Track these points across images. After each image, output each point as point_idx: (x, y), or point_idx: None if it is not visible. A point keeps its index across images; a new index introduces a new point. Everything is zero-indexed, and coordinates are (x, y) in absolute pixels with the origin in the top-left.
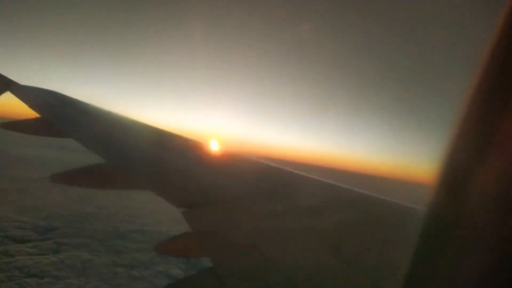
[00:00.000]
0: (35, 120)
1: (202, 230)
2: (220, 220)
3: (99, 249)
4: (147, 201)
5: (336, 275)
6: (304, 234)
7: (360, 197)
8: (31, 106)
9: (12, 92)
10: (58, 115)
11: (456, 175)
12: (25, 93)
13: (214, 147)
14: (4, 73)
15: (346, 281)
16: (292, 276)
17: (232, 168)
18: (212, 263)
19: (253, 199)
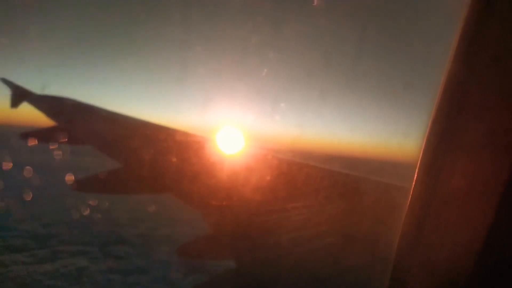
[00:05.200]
0: (52, 128)
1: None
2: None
3: (97, 256)
4: (155, 205)
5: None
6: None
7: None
8: (47, 115)
9: (28, 102)
10: (74, 122)
11: (435, 157)
12: (41, 102)
13: (223, 145)
14: (20, 84)
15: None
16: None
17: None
18: (235, 265)
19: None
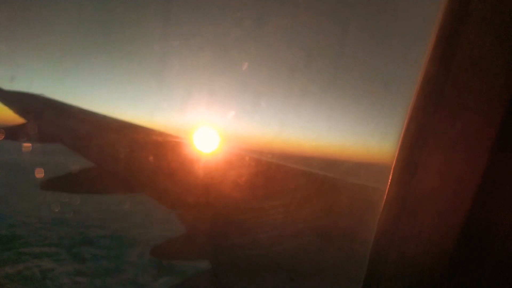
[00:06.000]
0: (20, 125)
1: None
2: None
3: (63, 258)
4: (127, 205)
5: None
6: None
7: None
8: (15, 111)
9: None
10: (44, 119)
11: (411, 155)
12: (10, 98)
13: (199, 145)
14: None
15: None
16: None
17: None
18: (210, 264)
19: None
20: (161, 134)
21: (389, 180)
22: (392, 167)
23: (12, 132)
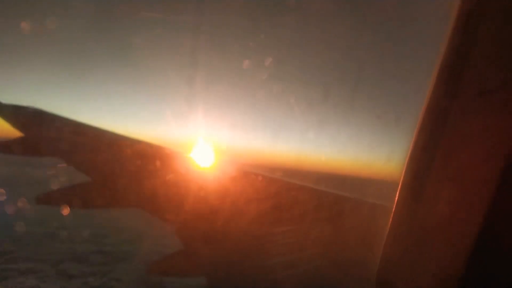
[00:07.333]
0: (17, 139)
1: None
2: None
3: (49, 274)
4: (117, 219)
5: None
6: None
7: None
8: (13, 125)
9: None
10: (41, 133)
11: (417, 181)
12: (6, 111)
13: (199, 159)
14: None
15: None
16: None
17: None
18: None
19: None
20: (160, 148)
21: (394, 205)
22: (398, 192)
23: (8, 146)
